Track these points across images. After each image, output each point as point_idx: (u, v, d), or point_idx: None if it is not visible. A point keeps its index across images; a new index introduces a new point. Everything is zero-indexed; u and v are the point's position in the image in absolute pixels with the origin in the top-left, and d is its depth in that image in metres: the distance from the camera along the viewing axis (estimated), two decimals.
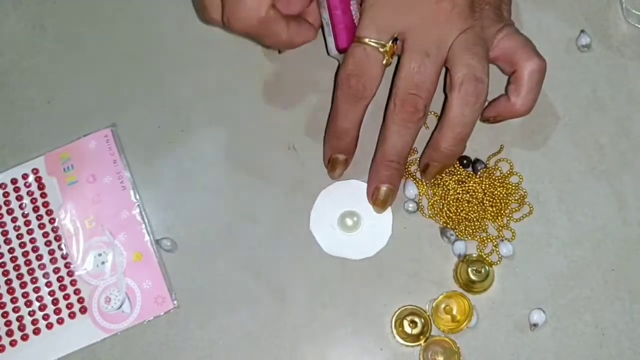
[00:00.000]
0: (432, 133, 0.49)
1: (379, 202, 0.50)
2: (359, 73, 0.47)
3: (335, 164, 0.50)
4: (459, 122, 0.47)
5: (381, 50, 0.47)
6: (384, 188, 0.49)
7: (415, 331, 0.49)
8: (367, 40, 0.47)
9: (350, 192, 0.51)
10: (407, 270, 0.50)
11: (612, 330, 0.49)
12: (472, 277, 0.49)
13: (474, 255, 0.50)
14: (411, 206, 0.51)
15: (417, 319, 0.49)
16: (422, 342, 0.49)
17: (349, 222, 0.51)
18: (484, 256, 0.50)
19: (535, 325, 0.49)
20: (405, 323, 0.49)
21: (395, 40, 0.47)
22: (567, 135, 0.52)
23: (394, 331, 0.49)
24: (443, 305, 0.49)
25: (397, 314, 0.49)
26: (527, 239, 0.50)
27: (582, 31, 0.53)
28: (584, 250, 0.50)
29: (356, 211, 0.51)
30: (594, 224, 0.51)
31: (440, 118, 0.49)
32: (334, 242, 0.51)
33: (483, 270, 0.49)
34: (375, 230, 0.51)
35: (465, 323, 0.49)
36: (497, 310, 0.49)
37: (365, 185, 0.51)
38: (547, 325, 0.49)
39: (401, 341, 0.49)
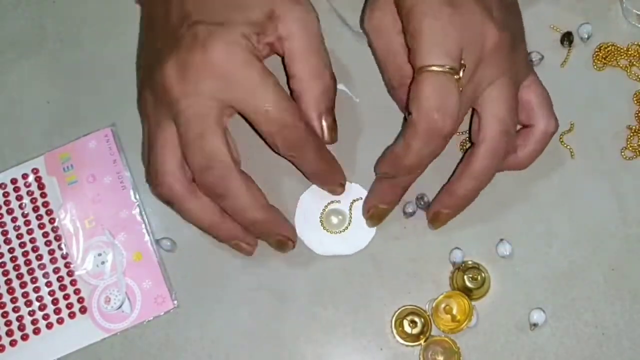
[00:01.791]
0: (449, 179, 0.48)
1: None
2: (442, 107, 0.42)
3: (382, 215, 0.49)
4: (482, 174, 0.46)
5: (455, 77, 0.43)
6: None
7: (415, 331, 0.49)
8: (438, 67, 0.42)
9: (327, 192, 0.51)
10: (407, 270, 0.50)
11: (612, 330, 0.49)
12: (469, 284, 0.49)
13: (470, 262, 0.50)
14: (410, 207, 0.50)
15: (417, 319, 0.49)
16: (422, 342, 0.49)
17: (334, 220, 0.51)
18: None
19: (535, 325, 0.49)
20: (405, 323, 0.49)
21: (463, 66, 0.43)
22: (567, 135, 0.52)
23: (394, 331, 0.49)
24: (443, 305, 0.49)
25: (397, 314, 0.49)
26: (527, 239, 0.50)
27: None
28: (584, 250, 0.50)
29: (339, 208, 0.51)
30: (594, 224, 0.51)
31: (460, 164, 0.47)
32: (324, 243, 0.50)
33: (479, 278, 0.49)
34: (362, 222, 0.50)
35: (465, 323, 0.48)
36: (497, 310, 0.49)
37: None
38: (547, 325, 0.49)
39: (401, 341, 0.49)
